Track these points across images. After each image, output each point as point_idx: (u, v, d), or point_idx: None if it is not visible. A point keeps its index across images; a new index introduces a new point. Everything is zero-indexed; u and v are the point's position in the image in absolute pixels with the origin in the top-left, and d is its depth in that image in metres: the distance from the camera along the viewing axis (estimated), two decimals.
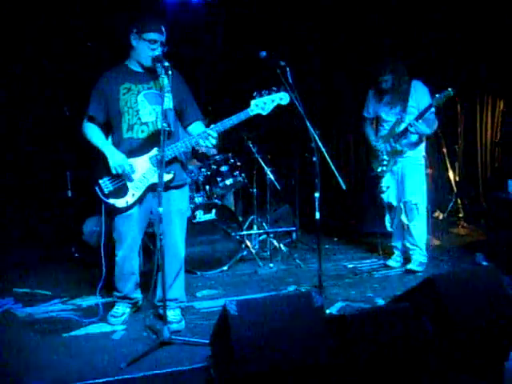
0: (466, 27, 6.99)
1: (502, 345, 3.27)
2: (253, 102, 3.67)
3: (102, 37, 6.09)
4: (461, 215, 7.24)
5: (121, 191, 3.74)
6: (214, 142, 3.66)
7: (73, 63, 6.26)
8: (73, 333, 3.79)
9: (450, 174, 7.38)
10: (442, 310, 3.05)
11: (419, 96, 4.96)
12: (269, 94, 3.68)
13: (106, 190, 3.74)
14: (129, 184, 3.73)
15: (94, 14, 6.20)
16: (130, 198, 3.74)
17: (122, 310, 4.01)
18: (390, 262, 5.32)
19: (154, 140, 3.67)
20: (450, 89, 4.69)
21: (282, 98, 3.70)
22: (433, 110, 4.83)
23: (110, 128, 3.85)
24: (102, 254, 3.88)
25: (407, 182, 5.07)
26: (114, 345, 3.59)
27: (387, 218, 5.35)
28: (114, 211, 3.81)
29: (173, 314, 3.86)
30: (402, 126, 4.96)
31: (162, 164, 3.46)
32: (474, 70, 7.28)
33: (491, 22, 6.74)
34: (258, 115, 3.70)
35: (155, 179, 3.69)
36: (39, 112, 6.26)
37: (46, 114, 6.11)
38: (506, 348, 3.29)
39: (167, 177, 3.64)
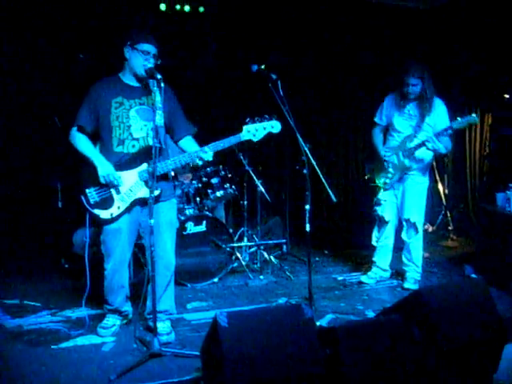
0: (455, 42, 7.07)
1: (490, 357, 3.30)
2: (245, 128, 3.72)
3: (94, 48, 6.11)
4: (450, 228, 7.28)
5: (106, 203, 3.73)
6: (209, 158, 3.71)
7: (64, 74, 6.27)
8: (62, 344, 3.77)
9: (440, 186, 7.44)
10: (430, 322, 3.07)
11: (438, 115, 4.85)
12: (261, 121, 3.75)
13: (91, 201, 3.73)
14: (115, 196, 3.74)
15: (85, 26, 6.22)
16: (115, 210, 3.74)
17: (112, 321, 3.99)
18: (364, 278, 5.26)
19: (143, 155, 3.70)
20: (474, 115, 4.59)
21: (274, 126, 3.76)
22: (450, 130, 4.67)
23: (97, 138, 3.85)
24: (87, 265, 3.88)
25: (408, 199, 4.97)
26: (103, 356, 3.58)
27: (374, 232, 5.28)
28: (99, 223, 3.81)
29: (162, 326, 3.85)
30: (415, 142, 4.83)
31: (154, 177, 3.47)
32: (462, 86, 7.36)
33: (481, 37, 6.82)
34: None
35: (142, 194, 3.73)
36: (29, 122, 6.24)
37: (37, 125, 6.09)
38: (494, 360, 3.31)
39: (155, 193, 3.61)
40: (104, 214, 3.74)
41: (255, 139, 3.75)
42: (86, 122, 3.78)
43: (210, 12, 6.82)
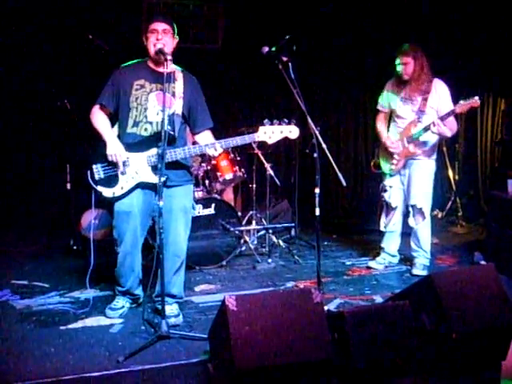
0: (467, 26, 6.97)
1: (498, 344, 3.28)
2: (261, 129, 3.71)
3: (106, 32, 6.08)
4: (459, 214, 7.24)
5: (110, 181, 3.74)
6: (216, 154, 3.72)
7: (74, 57, 6.25)
8: (70, 325, 3.78)
9: (450, 172, 7.39)
10: (440, 308, 3.05)
11: (439, 97, 4.76)
12: (279, 124, 3.73)
13: (96, 176, 3.74)
14: (120, 176, 3.74)
15: (94, 8, 6.20)
16: (117, 190, 3.74)
17: (121, 303, 4.00)
18: (372, 264, 5.25)
19: (154, 140, 3.67)
20: (476, 97, 4.48)
21: (292, 131, 3.74)
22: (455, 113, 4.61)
23: (115, 118, 3.87)
24: (92, 246, 3.89)
25: (415, 185, 4.91)
26: (111, 338, 3.59)
27: (382, 218, 5.23)
28: (104, 202, 3.85)
29: (170, 309, 3.85)
30: (420, 127, 4.76)
31: (163, 160, 3.46)
32: (475, 68, 7.28)
33: (493, 20, 6.73)
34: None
35: (147, 178, 3.73)
36: (40, 105, 6.24)
37: (47, 107, 6.09)
38: (503, 347, 3.29)
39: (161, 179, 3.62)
40: (106, 192, 3.75)
41: (270, 141, 3.75)
42: (107, 101, 3.80)
43: None
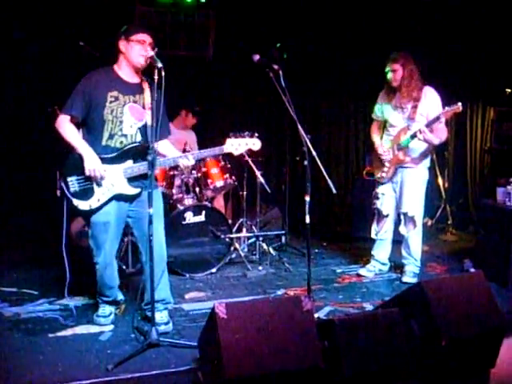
0: (457, 35, 7.02)
1: (487, 351, 3.30)
2: (228, 141, 3.94)
3: (95, 39, 6.08)
4: (449, 222, 7.27)
5: (86, 194, 3.70)
6: (189, 164, 3.86)
7: (66, 63, 6.24)
8: (59, 333, 3.77)
9: (440, 180, 7.42)
10: (429, 315, 3.07)
11: (429, 104, 4.77)
12: (243, 137, 4.16)
13: (71, 189, 3.70)
14: (96, 189, 3.71)
15: (86, 15, 6.20)
16: (94, 202, 3.71)
17: (108, 310, 4.00)
18: (362, 271, 5.26)
19: (129, 152, 3.73)
20: (459, 103, 4.48)
21: (254, 143, 3.98)
22: (442, 119, 4.63)
23: (85, 127, 3.79)
24: (65, 254, 3.88)
25: (406, 193, 4.92)
26: (101, 346, 3.57)
27: (373, 225, 5.25)
28: (77, 213, 3.87)
29: (160, 316, 3.84)
30: (408, 134, 4.78)
31: (153, 166, 3.48)
32: (464, 77, 7.33)
33: (483, 31, 6.78)
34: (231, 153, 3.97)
35: (123, 190, 3.74)
36: (27, 111, 6.22)
37: (35, 113, 6.07)
38: (492, 354, 3.31)
39: (134, 190, 3.75)
40: (82, 205, 3.71)
41: (236, 153, 3.96)
42: (77, 112, 3.70)
43: (212, 2, 6.80)
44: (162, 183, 5.42)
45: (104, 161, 3.68)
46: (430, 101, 4.80)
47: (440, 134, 4.77)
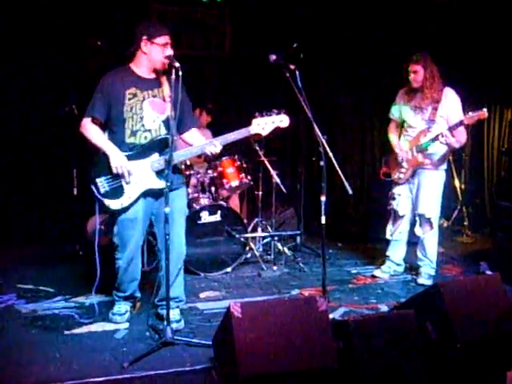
0: (474, 36, 6.98)
1: (504, 354, 3.27)
2: (254, 121, 3.80)
3: (112, 36, 6.12)
4: (466, 223, 7.22)
5: (117, 192, 3.72)
6: (217, 150, 3.77)
7: (82, 61, 6.29)
8: (75, 330, 3.80)
9: (456, 182, 7.36)
10: (445, 317, 3.05)
11: (450, 106, 4.74)
12: (270, 115, 3.83)
13: (102, 190, 3.72)
14: (125, 186, 3.72)
15: (103, 13, 6.24)
16: (125, 200, 3.73)
17: (124, 308, 4.01)
18: (377, 272, 5.24)
19: (155, 146, 3.72)
20: (484, 109, 4.46)
21: (282, 120, 3.84)
22: (465, 123, 4.58)
23: (106, 128, 3.83)
24: (97, 254, 3.89)
25: (423, 194, 4.89)
26: (116, 343, 3.59)
27: (389, 226, 5.22)
28: (110, 212, 3.83)
29: (172, 314, 3.83)
30: (429, 137, 4.74)
31: (170, 164, 3.49)
32: (481, 78, 7.28)
33: (500, 32, 6.73)
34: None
35: (152, 184, 3.73)
36: (48, 110, 6.27)
37: (55, 112, 6.11)
38: (509, 357, 3.28)
39: (163, 184, 3.61)
40: (114, 204, 3.73)
41: (264, 132, 3.82)
42: (99, 113, 3.76)
43: (228, 1, 6.82)
44: None
45: (130, 157, 3.70)
46: (451, 103, 4.76)
47: (460, 138, 4.72)
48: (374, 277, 5.22)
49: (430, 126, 4.80)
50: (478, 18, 6.84)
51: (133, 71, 3.82)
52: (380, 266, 5.31)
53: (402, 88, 5.06)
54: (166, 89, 3.76)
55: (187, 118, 3.96)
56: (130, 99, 3.74)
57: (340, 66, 7.40)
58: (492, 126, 7.72)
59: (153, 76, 3.81)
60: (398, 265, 5.24)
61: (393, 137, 5.14)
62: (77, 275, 5.04)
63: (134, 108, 3.74)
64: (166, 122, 3.76)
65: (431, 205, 4.91)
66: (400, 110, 5.04)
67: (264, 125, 3.79)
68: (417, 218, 4.99)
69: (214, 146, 3.74)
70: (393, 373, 2.91)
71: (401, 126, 5.13)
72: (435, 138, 4.67)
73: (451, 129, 4.60)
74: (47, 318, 4.02)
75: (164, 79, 3.81)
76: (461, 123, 4.57)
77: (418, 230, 4.98)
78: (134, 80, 3.78)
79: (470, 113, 4.52)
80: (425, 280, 4.96)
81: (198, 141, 3.89)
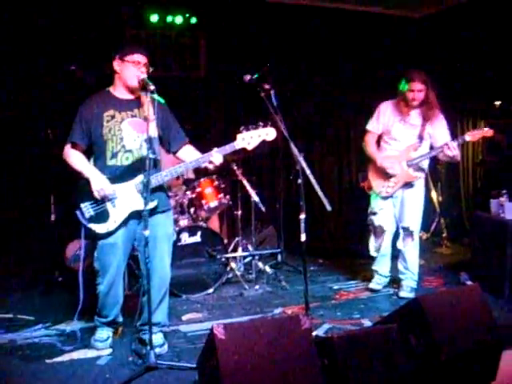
0: (449, 49, 7.10)
1: (487, 364, 3.29)
2: (239, 136, 3.73)
3: (87, 62, 6.10)
4: (444, 235, 7.29)
5: (102, 217, 3.69)
6: (219, 161, 3.73)
7: (56, 86, 6.25)
8: (57, 359, 3.73)
9: (433, 194, 7.44)
10: (428, 331, 3.06)
11: (439, 125, 4.87)
12: (255, 128, 3.75)
13: (87, 215, 3.69)
14: (111, 210, 3.69)
15: (77, 38, 6.23)
16: (111, 225, 3.69)
17: (106, 334, 3.96)
18: (373, 285, 5.26)
19: (138, 167, 3.66)
20: (486, 128, 4.66)
21: (268, 133, 3.76)
22: (466, 139, 4.77)
23: (91, 153, 3.83)
24: (80, 279, 3.85)
25: (409, 208, 4.96)
26: (99, 370, 3.55)
27: (371, 242, 5.25)
28: (96, 237, 3.76)
29: (155, 338, 3.80)
30: (420, 152, 4.86)
31: (148, 189, 3.46)
32: (454, 91, 7.39)
33: (473, 44, 6.85)
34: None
35: (138, 206, 3.68)
36: (22, 135, 6.22)
37: (29, 137, 6.08)
38: (492, 367, 3.30)
39: (151, 204, 3.58)
40: (100, 229, 3.69)
41: (249, 147, 3.76)
42: (79, 139, 3.75)
43: (202, 23, 6.86)
44: None
45: (113, 181, 3.67)
46: (441, 123, 4.88)
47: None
48: (370, 290, 5.23)
49: (420, 141, 4.88)
50: (449, 33, 6.97)
51: (110, 94, 3.82)
52: (364, 281, 5.33)
53: (385, 101, 5.08)
54: (148, 109, 3.73)
55: (176, 136, 3.94)
56: (108, 121, 3.73)
57: (315, 84, 7.46)
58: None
59: (131, 97, 3.80)
60: (385, 277, 5.29)
61: (373, 149, 5.10)
62: (57, 302, 4.97)
63: (112, 129, 3.72)
64: (148, 142, 3.70)
65: (416, 218, 4.98)
66: (384, 123, 5.02)
67: (249, 139, 3.73)
68: (400, 231, 5.04)
69: (216, 157, 3.69)
70: None
71: (378, 138, 5.15)
72: (440, 150, 4.73)
73: (457, 142, 4.68)
74: (27, 348, 3.95)
75: (145, 98, 3.77)
76: (463, 139, 4.70)
77: (400, 244, 5.02)
78: (111, 102, 3.78)
79: (474, 130, 4.78)
80: (407, 293, 4.99)
81: (193, 156, 3.84)
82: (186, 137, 4.02)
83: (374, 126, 5.10)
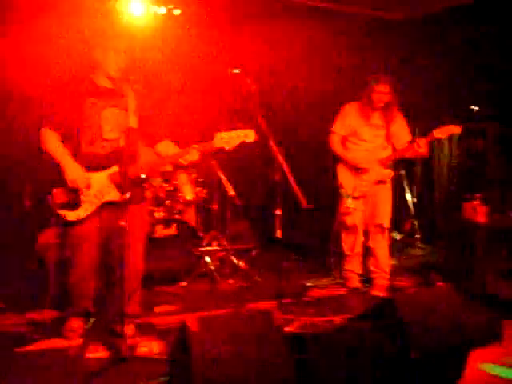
0: (424, 51, 7.16)
1: (455, 364, 3.34)
2: (217, 135, 3.67)
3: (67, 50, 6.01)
4: (417, 236, 7.36)
5: (74, 204, 3.66)
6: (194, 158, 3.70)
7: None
8: (27, 347, 3.69)
9: (408, 195, 7.51)
10: (400, 329, 3.09)
11: (400, 125, 5.07)
12: (234, 129, 3.70)
13: (58, 201, 3.66)
14: (83, 198, 3.66)
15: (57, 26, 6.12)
16: (81, 212, 3.66)
17: (77, 324, 3.92)
18: (352, 283, 5.30)
19: (114, 157, 3.64)
20: (453, 126, 4.80)
21: (248, 135, 3.71)
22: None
23: (67, 138, 3.77)
24: (50, 268, 3.82)
25: (381, 205, 5.09)
26: (69, 360, 3.52)
27: (344, 241, 5.28)
28: (65, 224, 3.74)
29: (127, 329, 3.77)
30: (388, 151, 5.05)
31: (124, 179, 3.44)
32: (431, 95, 7.46)
33: (450, 46, 6.92)
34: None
35: (111, 196, 3.67)
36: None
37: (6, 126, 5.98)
38: (459, 367, 3.35)
39: (124, 196, 3.55)
40: (70, 216, 3.66)
41: (228, 147, 3.70)
42: (56, 123, 3.71)
43: (185, 14, 6.80)
44: None
45: (87, 169, 3.64)
46: (401, 123, 5.08)
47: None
48: (349, 288, 5.25)
49: (388, 140, 5.05)
50: (427, 33, 7.02)
51: (93, 81, 3.78)
52: (337, 278, 5.43)
53: (348, 103, 5.18)
54: (131, 99, 3.71)
55: (155, 129, 3.91)
56: (88, 108, 3.69)
57: (295, 82, 7.45)
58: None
59: (113, 86, 3.76)
60: (360, 275, 5.34)
61: (341, 150, 5.20)
62: (28, 291, 4.90)
63: (91, 117, 3.69)
64: (127, 133, 3.69)
65: (388, 214, 5.11)
66: (352, 125, 5.11)
67: (228, 139, 3.67)
68: (371, 230, 5.10)
69: (192, 154, 3.67)
70: None
71: (342, 139, 5.22)
72: (407, 149, 4.89)
73: (426, 139, 4.80)
74: None
75: (129, 89, 3.76)
76: (433, 136, 4.78)
77: (371, 242, 5.08)
78: (93, 90, 3.74)
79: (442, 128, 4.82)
80: (378, 292, 5.04)
81: (172, 152, 3.83)
82: (165, 132, 3.99)
83: (339, 127, 5.19)
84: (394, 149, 5.06)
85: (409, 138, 5.03)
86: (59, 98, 3.73)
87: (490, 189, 6.09)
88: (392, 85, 4.95)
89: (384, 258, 5.10)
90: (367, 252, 5.23)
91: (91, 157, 3.69)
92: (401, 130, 5.06)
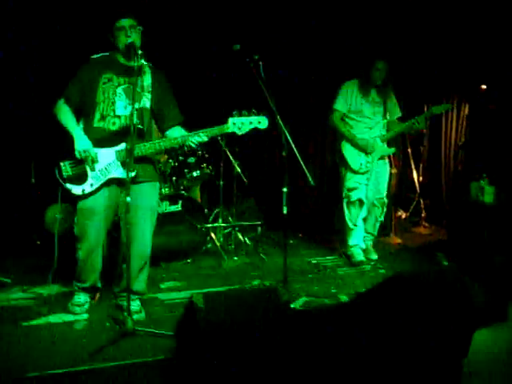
0: (433, 31, 7.07)
1: (460, 343, 3.35)
2: (230, 120, 3.64)
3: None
4: (423, 215, 7.36)
5: (80, 178, 3.66)
6: (193, 145, 3.68)
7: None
8: (33, 322, 3.72)
9: (414, 174, 7.49)
10: (405, 308, 3.10)
11: (393, 102, 5.30)
12: (248, 115, 3.66)
13: (64, 174, 3.66)
14: (89, 173, 3.66)
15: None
16: (87, 187, 3.66)
17: (83, 298, 3.94)
18: (356, 258, 5.34)
19: (123, 134, 3.63)
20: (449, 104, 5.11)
21: (261, 121, 3.67)
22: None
23: (80, 113, 3.78)
24: (56, 242, 3.83)
25: (382, 180, 5.33)
26: (75, 335, 3.55)
27: (347, 216, 5.35)
28: (72, 199, 3.74)
29: (132, 305, 3.79)
30: (386, 128, 5.23)
31: (132, 154, 3.43)
32: (439, 73, 7.39)
33: (457, 27, 6.84)
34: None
35: (117, 174, 3.67)
36: (5, 99, 6.10)
37: (13, 101, 5.96)
38: (465, 346, 3.36)
39: (130, 174, 3.50)
40: (75, 190, 3.67)
41: (240, 132, 3.66)
42: (73, 94, 3.72)
43: None
44: None
45: (96, 143, 3.64)
46: (394, 100, 5.32)
47: None
48: (355, 263, 5.31)
49: (385, 118, 5.23)
50: (436, 12, 6.93)
51: (114, 57, 3.78)
52: (354, 255, 5.40)
53: (347, 81, 5.28)
54: (148, 79, 3.71)
55: (169, 113, 3.87)
56: (104, 83, 3.69)
57: (301, 63, 7.37)
58: (450, 120, 7.87)
59: (133, 63, 3.68)
60: (364, 248, 5.50)
61: (345, 127, 5.25)
62: (35, 265, 4.94)
63: (106, 92, 3.68)
64: (140, 112, 3.68)
65: (387, 188, 5.42)
66: (351, 102, 5.21)
67: (240, 124, 3.63)
68: (375, 203, 5.37)
69: (199, 136, 3.63)
70: (354, 363, 2.95)
71: (342, 116, 5.31)
72: (409, 127, 5.13)
73: (425, 117, 5.08)
74: (4, 310, 3.93)
75: (148, 69, 3.75)
76: (430, 113, 5.07)
77: (378, 215, 5.45)
78: (113, 65, 3.74)
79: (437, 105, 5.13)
80: (374, 254, 5.45)
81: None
82: (180, 117, 3.93)
83: (342, 105, 5.24)
84: (388, 125, 5.26)
85: (400, 114, 5.31)
86: (81, 73, 3.74)
87: (497, 168, 6.05)
88: (387, 64, 5.11)
89: (373, 221, 5.46)
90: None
91: (101, 132, 3.68)
92: (394, 106, 5.29)
